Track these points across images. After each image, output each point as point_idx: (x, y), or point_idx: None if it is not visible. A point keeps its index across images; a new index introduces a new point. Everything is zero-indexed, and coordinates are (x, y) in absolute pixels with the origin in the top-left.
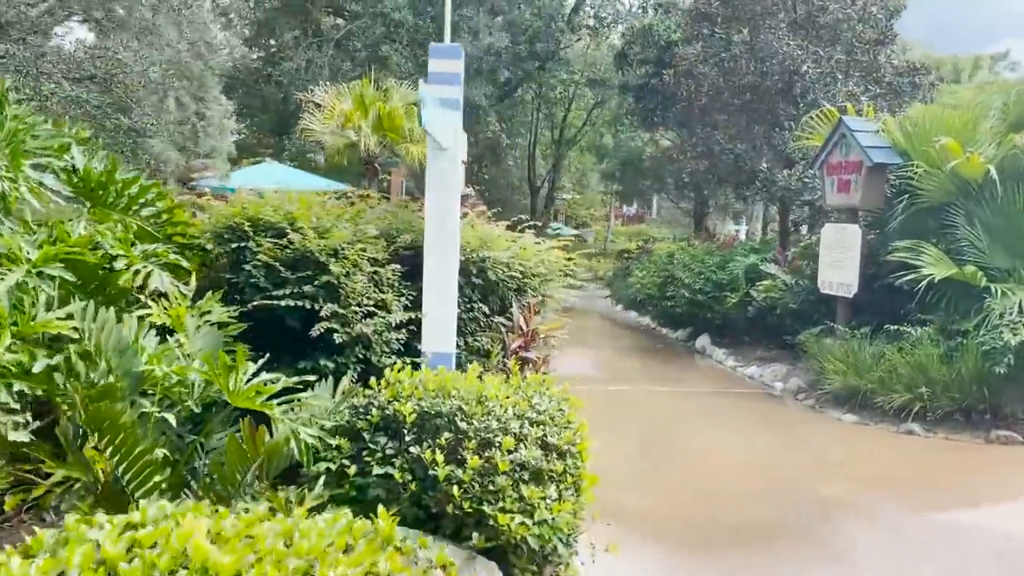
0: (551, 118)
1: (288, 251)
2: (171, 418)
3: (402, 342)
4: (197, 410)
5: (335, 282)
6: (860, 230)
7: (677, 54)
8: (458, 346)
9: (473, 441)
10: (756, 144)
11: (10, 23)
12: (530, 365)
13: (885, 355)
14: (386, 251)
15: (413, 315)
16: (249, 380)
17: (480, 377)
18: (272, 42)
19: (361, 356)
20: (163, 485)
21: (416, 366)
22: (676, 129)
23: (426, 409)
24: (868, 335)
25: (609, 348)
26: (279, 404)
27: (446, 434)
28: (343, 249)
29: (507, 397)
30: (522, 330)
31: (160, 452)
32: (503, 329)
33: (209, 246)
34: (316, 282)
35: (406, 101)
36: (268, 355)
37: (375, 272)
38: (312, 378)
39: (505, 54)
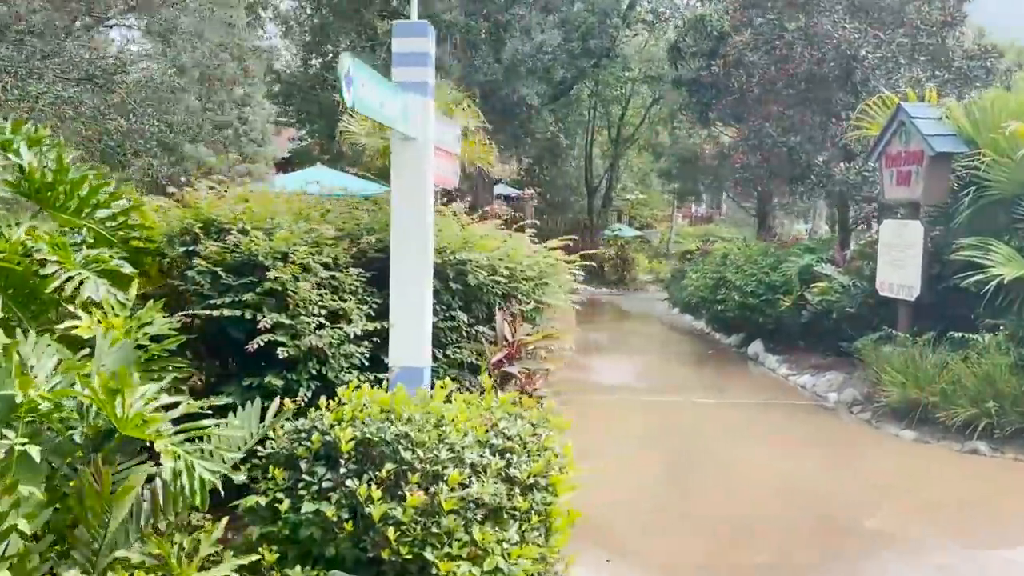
0: (607, 116)
1: (234, 254)
2: (33, 451)
3: (366, 356)
4: (80, 440)
5: (280, 288)
6: (922, 226)
7: (727, 43)
8: (436, 359)
9: (417, 474)
10: (811, 136)
11: (7, 25)
12: (513, 382)
13: (949, 365)
14: (348, 253)
15: (380, 325)
16: (164, 404)
17: (450, 397)
18: (329, 47)
19: (316, 372)
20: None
21: (379, 383)
22: (730, 123)
23: (368, 436)
24: (930, 342)
25: (656, 354)
26: (181, 433)
27: (389, 465)
28: (293, 251)
29: (468, 420)
30: (506, 341)
31: (27, 490)
32: (485, 340)
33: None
34: (259, 289)
35: (448, 100)
36: (219, 371)
37: (333, 277)
38: (225, 402)
39: (558, 51)
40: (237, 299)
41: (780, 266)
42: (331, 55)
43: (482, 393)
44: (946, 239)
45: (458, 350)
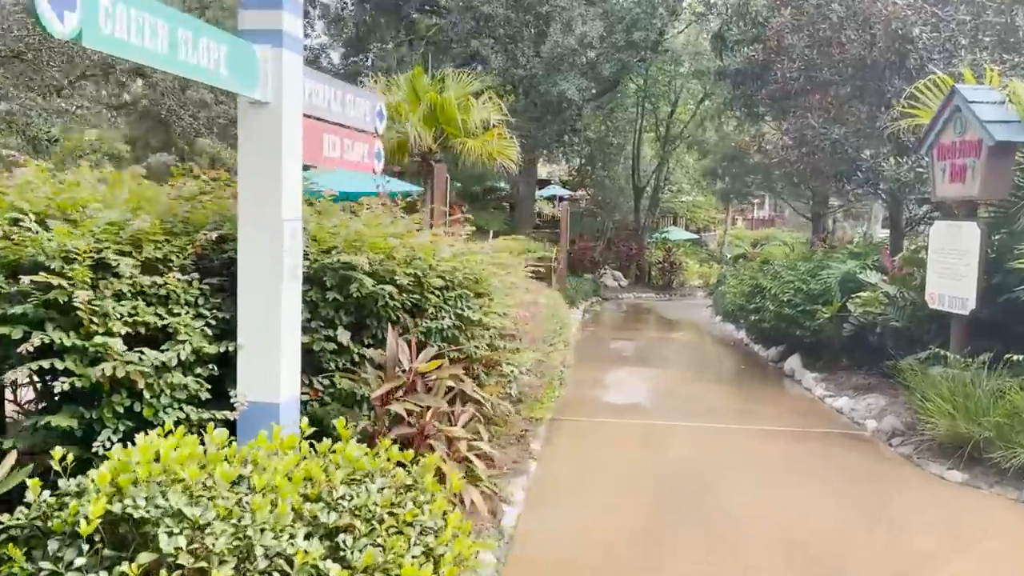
0: (655, 114)
1: (11, 253)
2: None
3: (206, 388)
4: None
5: (64, 299)
6: (979, 229)
7: (769, 26)
8: (315, 390)
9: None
10: (859, 129)
11: None
12: (404, 424)
13: (1007, 394)
14: (189, 253)
15: (226, 347)
16: None
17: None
18: (372, 44)
19: (126, 409)
20: None
21: (227, 424)
22: (772, 116)
23: (125, 511)
24: (986, 365)
25: (684, 368)
26: None
27: (144, 556)
28: (97, 250)
29: (289, 483)
30: (403, 369)
31: None
32: (371, 366)
33: None
34: (36, 299)
35: (467, 91)
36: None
37: (156, 284)
38: None
39: (600, 44)
40: (8, 312)
41: (820, 273)
42: (372, 50)
43: (367, 439)
44: (1008, 244)
45: (351, 379)
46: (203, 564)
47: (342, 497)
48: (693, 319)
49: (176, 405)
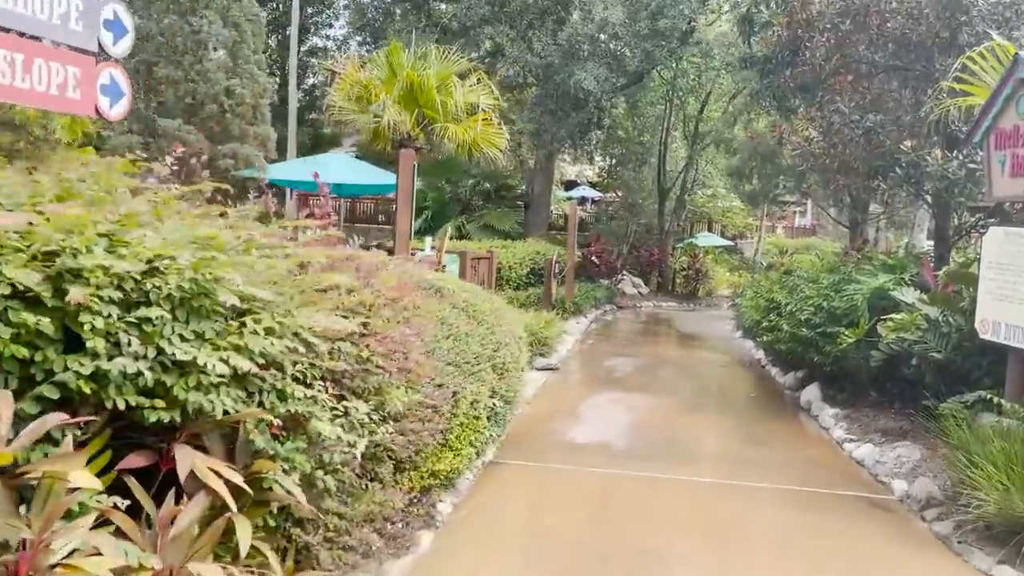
0: (684, 110)
1: None
2: None
3: None
4: None
5: None
6: None
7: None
8: None
9: None
10: (899, 117)
11: None
12: None
13: None
14: None
15: None
16: None
17: None
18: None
19: None
20: None
21: None
22: (808, 107)
23: None
24: None
25: (683, 394)
26: None
27: None
28: None
29: None
30: None
31: None
32: None
33: None
34: None
35: (451, 70)
36: None
37: None
38: None
39: (623, 31)
40: None
41: (845, 288)
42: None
43: None
44: None
45: None
46: None
47: None
48: (711, 333)
49: None
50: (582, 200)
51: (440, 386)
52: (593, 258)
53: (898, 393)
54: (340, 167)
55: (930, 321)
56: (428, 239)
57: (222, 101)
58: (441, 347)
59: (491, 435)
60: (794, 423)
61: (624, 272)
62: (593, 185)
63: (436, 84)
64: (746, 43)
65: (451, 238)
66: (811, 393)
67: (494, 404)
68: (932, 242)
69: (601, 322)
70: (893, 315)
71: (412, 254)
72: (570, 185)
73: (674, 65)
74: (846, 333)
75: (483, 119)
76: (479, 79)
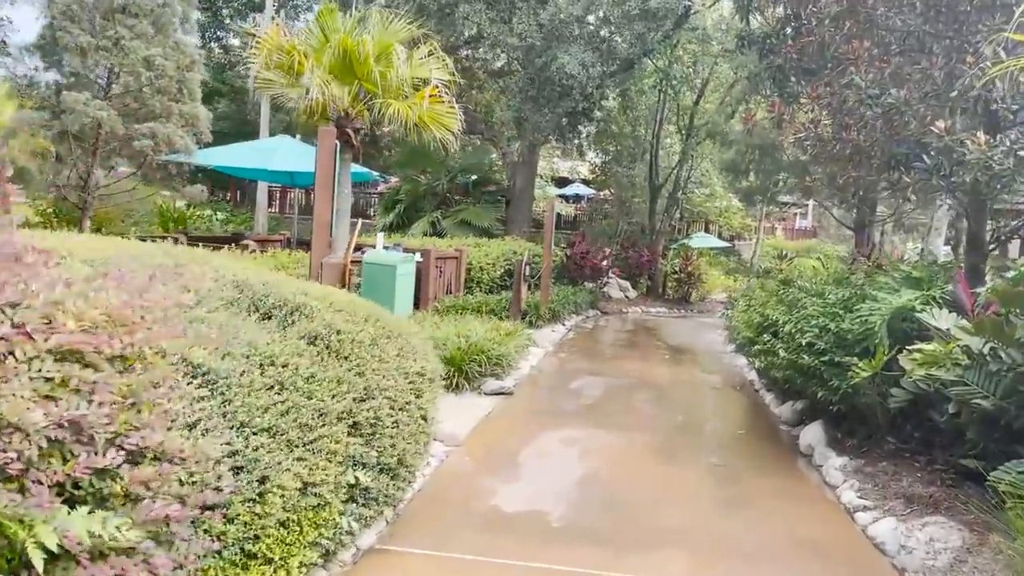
0: (677, 101)
1: None
2: None
3: None
4: None
5: None
6: None
7: None
8: None
9: None
10: (927, 92)
11: None
12: None
13: None
14: None
15: None
16: None
17: None
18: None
19: None
20: None
21: None
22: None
23: None
24: None
25: (657, 430)
26: None
27: None
28: None
29: None
30: None
31: None
32: None
33: None
34: None
35: (396, 38)
36: None
37: None
38: None
39: (610, 10)
40: None
41: (859, 307)
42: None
43: None
44: None
45: None
46: None
47: None
48: (701, 346)
49: None
50: (576, 198)
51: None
52: (577, 259)
53: (925, 443)
54: (288, 154)
55: (973, 355)
56: (380, 235)
57: (140, 73)
58: (233, 408)
59: (360, 521)
60: (791, 476)
61: (611, 275)
62: (587, 183)
63: (376, 53)
64: (744, 20)
65: (424, 235)
66: (813, 434)
67: (356, 480)
68: (948, 248)
69: (580, 331)
70: (921, 344)
71: (362, 250)
72: (563, 182)
73: (668, 52)
74: (860, 365)
75: (431, 95)
76: (431, 51)
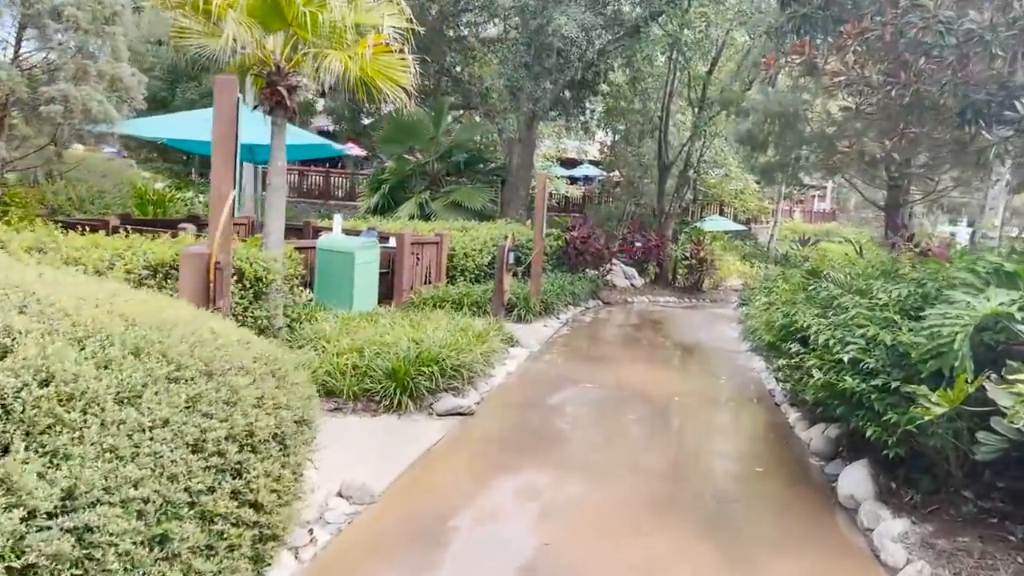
0: (689, 69)
1: None
2: None
3: None
4: None
5: None
6: None
7: None
8: None
9: None
10: (1015, 17)
11: None
12: None
13: None
14: None
15: None
16: None
17: None
18: None
19: None
20: None
21: None
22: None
23: None
24: None
25: (654, 471)
26: None
27: None
28: None
29: None
30: None
31: None
32: None
33: None
34: None
35: None
36: None
37: None
38: None
39: None
40: None
41: (929, 312)
42: None
43: None
44: None
45: None
46: None
47: None
48: (712, 343)
49: None
50: (586, 180)
51: None
52: (577, 244)
53: (1017, 499)
54: (248, 125)
55: None
56: (336, 217)
57: (46, 26)
58: None
59: None
60: (828, 549)
61: (615, 261)
62: (597, 164)
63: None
64: None
65: (412, 217)
66: (857, 481)
67: None
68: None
69: (575, 326)
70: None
71: (323, 230)
72: (572, 164)
73: (678, 15)
74: (931, 398)
75: (376, 44)
76: None
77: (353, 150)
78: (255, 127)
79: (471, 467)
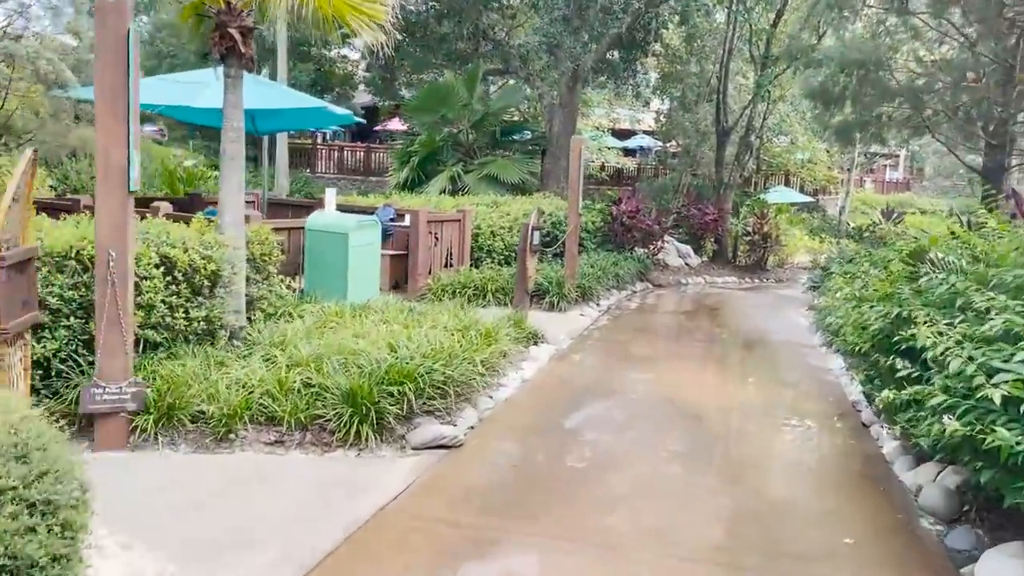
0: (750, 21)
1: None
2: None
3: None
4: None
5: None
6: None
7: None
8: None
9: None
10: None
11: None
12: None
13: None
14: None
15: None
16: None
17: None
18: None
19: None
20: None
21: None
22: None
23: None
24: None
25: (689, 540)
26: None
27: None
28: None
29: None
30: None
31: None
32: None
33: None
34: None
35: None
36: None
37: None
38: None
39: None
40: None
41: None
42: None
43: None
44: None
45: None
46: None
47: None
48: (779, 333)
49: None
50: (642, 151)
51: None
52: (624, 220)
53: None
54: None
55: None
56: (330, 191)
57: None
58: None
59: None
60: None
61: (667, 238)
62: (651, 134)
63: None
64: None
65: (442, 193)
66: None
67: None
68: None
69: (616, 314)
70: None
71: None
72: (624, 134)
73: None
74: None
75: None
76: None
77: (391, 125)
78: (259, 94)
79: (430, 544)
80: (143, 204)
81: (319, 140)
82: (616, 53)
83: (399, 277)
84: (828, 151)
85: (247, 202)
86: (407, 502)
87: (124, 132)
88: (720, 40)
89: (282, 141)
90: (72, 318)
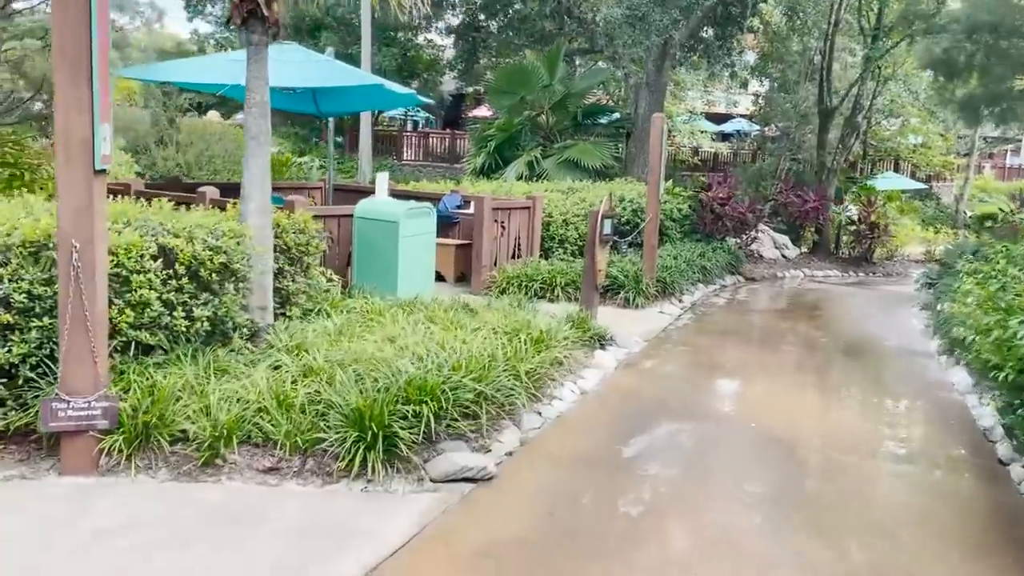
0: None
1: None
2: None
3: None
4: None
5: None
6: None
7: None
8: None
9: None
10: None
11: None
12: None
13: None
14: None
15: None
16: None
17: None
18: None
19: None
20: None
21: None
22: None
23: None
24: None
25: None
26: None
27: None
28: None
29: None
30: None
31: None
32: None
33: None
34: None
35: None
36: None
37: None
38: None
39: None
40: None
41: None
42: None
43: None
44: None
45: None
46: None
47: None
48: (889, 338)
49: None
50: (739, 135)
51: None
52: (714, 207)
53: None
54: (300, 65)
55: None
56: (381, 176)
57: None
58: None
59: None
60: None
61: (762, 227)
62: (749, 118)
63: None
64: None
65: (520, 178)
66: None
67: None
68: None
69: (700, 312)
70: None
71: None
72: (719, 118)
73: None
74: None
75: None
76: None
77: (479, 112)
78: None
79: None
80: (190, 189)
81: (408, 128)
82: (710, 30)
83: (465, 268)
84: (943, 135)
85: (313, 188)
86: (403, 562)
87: (87, 98)
88: (825, 12)
89: (365, 127)
90: (46, 317)
